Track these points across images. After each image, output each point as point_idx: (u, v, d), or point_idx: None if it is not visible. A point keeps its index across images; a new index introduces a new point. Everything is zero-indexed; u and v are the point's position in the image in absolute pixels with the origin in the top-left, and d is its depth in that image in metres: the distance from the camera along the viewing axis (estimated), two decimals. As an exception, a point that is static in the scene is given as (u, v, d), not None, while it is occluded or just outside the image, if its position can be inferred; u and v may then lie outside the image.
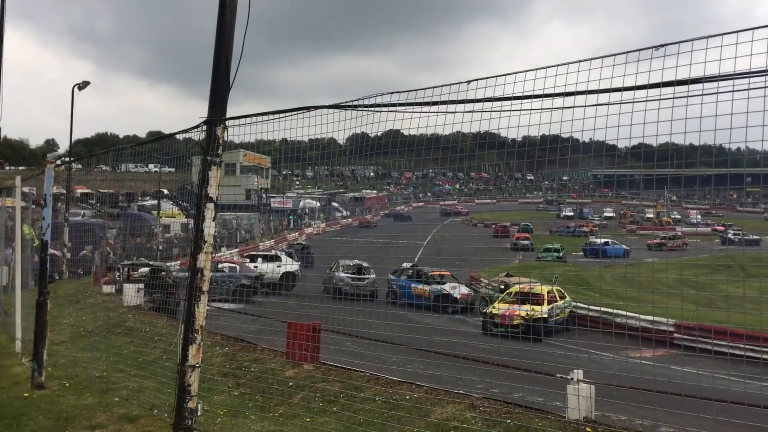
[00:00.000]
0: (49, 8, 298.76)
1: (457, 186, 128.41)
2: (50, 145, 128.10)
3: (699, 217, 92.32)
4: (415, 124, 5.25)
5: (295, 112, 5.47)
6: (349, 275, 24.09)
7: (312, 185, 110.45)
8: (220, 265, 24.43)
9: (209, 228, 5.40)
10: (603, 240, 57.85)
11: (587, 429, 6.66)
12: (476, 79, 4.50)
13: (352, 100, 5.20)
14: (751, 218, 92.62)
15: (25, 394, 7.83)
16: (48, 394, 7.88)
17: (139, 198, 71.67)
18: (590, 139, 4.84)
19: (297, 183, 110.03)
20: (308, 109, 5.30)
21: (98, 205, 69.59)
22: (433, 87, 4.75)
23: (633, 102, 4.45)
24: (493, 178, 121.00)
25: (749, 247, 54.88)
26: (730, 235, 66.97)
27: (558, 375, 7.70)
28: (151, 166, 64.59)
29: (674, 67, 4.16)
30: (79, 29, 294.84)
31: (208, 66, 5.53)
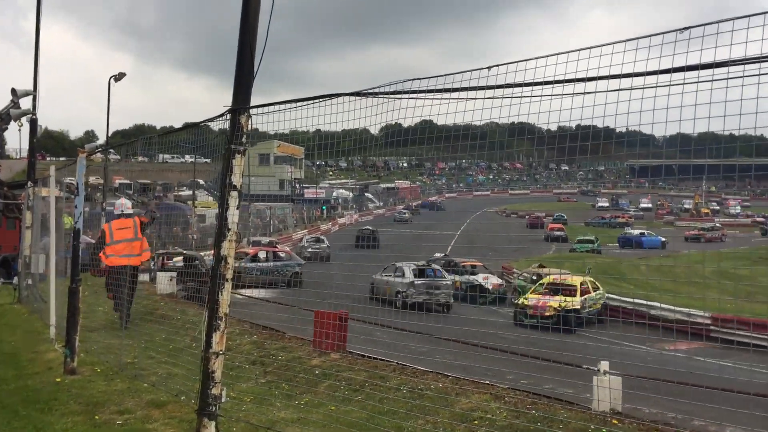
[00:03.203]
0: (93, 2, 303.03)
1: (491, 176, 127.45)
2: (89, 136, 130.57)
3: (739, 208, 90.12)
4: (443, 110, 5.11)
5: (318, 100, 5.42)
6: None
7: (345, 175, 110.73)
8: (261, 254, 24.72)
9: (233, 216, 5.38)
10: (639, 231, 56.90)
11: (613, 421, 6.51)
12: (497, 65, 4.34)
13: (374, 87, 5.11)
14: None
15: (58, 380, 7.94)
16: (79, 379, 7.97)
17: (176, 188, 72.71)
18: (626, 128, 4.66)
19: (330, 173, 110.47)
20: (330, 96, 5.24)
21: (135, 195, 70.90)
22: (454, 73, 4.63)
23: (669, 85, 4.25)
24: (527, 168, 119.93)
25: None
26: (771, 227, 65.39)
27: (584, 366, 7.55)
28: (187, 156, 65.33)
29: (713, 47, 3.96)
30: (122, 22, 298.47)
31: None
